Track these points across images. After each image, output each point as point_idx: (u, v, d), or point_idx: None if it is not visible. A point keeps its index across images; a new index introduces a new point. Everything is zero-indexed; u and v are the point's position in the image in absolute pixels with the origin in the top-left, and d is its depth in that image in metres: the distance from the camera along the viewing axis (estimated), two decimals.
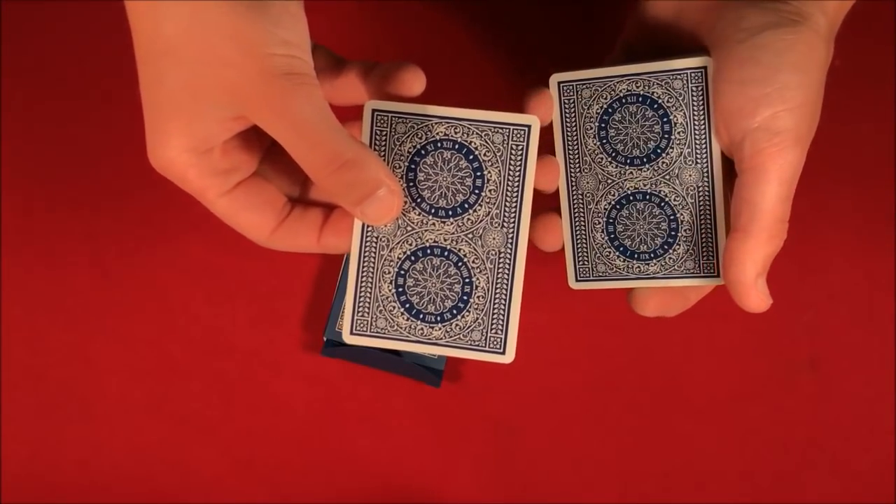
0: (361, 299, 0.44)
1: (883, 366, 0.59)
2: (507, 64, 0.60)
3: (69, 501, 0.59)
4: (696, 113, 0.45)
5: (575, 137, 0.47)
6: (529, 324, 0.60)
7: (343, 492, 0.59)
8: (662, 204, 0.46)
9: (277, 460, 0.59)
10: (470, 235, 0.43)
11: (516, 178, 0.43)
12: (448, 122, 0.43)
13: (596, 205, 0.47)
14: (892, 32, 0.61)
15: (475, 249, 0.43)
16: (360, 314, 0.44)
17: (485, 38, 0.61)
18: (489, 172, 0.43)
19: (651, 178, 0.46)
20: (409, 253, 0.44)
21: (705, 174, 0.46)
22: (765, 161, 0.42)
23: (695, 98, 0.45)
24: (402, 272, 0.44)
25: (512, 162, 0.43)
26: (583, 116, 0.47)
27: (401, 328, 0.44)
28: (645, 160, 0.46)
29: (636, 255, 0.47)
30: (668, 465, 0.59)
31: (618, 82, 0.46)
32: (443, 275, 0.43)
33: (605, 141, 0.46)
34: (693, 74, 0.45)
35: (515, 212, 0.43)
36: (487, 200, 0.43)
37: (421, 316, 0.44)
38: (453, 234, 0.43)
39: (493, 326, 0.43)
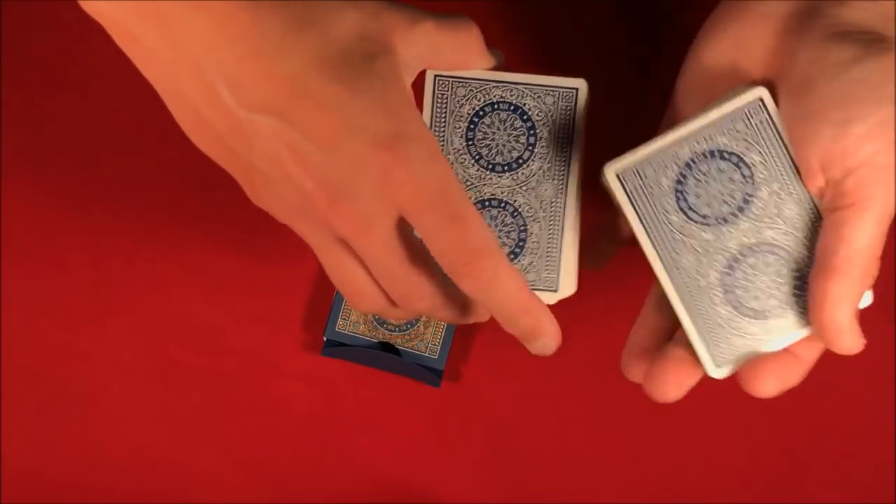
0: None
1: (883, 366, 0.59)
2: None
3: (69, 501, 0.59)
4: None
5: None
6: None
7: (343, 492, 0.59)
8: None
9: (277, 460, 0.59)
10: (524, 188, 0.47)
11: (566, 135, 0.47)
12: (504, 86, 0.47)
13: None
14: None
15: (529, 200, 0.47)
16: None
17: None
18: (541, 131, 0.47)
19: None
20: None
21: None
22: (867, 199, 0.42)
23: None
24: None
25: (562, 120, 0.47)
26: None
27: None
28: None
29: None
30: (667, 465, 0.59)
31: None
32: (500, 224, 0.48)
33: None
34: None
35: (565, 165, 0.47)
36: (540, 156, 0.47)
37: None
38: (509, 186, 0.48)
39: (547, 267, 0.47)
